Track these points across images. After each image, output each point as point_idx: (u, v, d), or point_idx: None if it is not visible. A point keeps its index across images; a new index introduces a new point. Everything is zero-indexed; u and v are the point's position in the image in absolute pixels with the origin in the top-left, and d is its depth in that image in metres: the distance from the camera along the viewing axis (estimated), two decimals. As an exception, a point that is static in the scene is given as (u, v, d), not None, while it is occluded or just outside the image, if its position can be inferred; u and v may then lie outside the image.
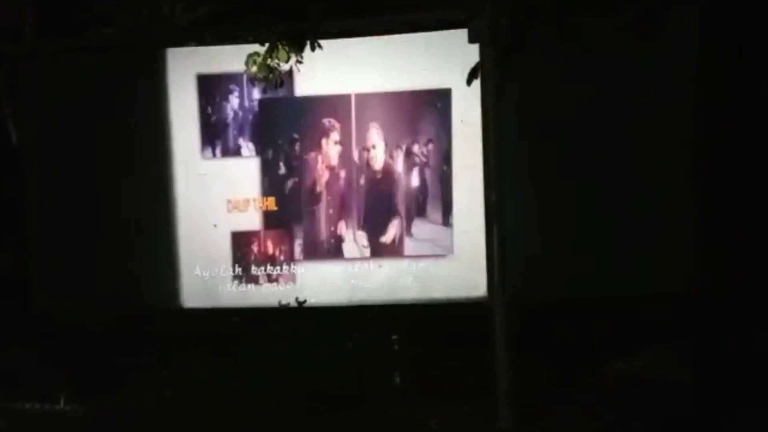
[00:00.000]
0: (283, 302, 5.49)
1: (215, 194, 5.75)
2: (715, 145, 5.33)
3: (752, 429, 4.12)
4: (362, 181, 5.71)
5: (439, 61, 5.49)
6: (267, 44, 5.21)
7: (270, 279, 5.76)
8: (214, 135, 5.77)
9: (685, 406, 4.34)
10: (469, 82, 4.60)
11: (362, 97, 5.66)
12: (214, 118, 5.76)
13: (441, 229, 5.66)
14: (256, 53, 5.25)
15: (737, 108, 5.27)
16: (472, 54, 4.45)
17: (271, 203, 5.76)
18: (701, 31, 5.24)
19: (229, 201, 5.76)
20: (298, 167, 5.73)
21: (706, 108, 5.29)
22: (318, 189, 5.73)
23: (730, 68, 5.28)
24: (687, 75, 5.28)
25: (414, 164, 5.67)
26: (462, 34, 4.50)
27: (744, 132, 5.30)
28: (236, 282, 5.76)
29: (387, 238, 5.71)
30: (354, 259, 5.72)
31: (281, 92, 5.60)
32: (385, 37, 5.52)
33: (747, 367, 4.63)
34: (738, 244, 5.25)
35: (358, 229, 5.72)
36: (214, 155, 5.77)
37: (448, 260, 5.65)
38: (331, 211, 5.74)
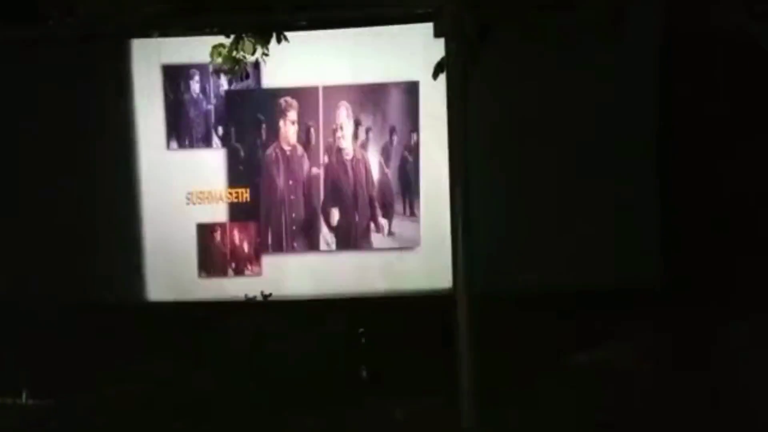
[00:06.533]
0: (250, 295, 5.45)
1: (181, 186, 5.71)
2: (678, 139, 5.39)
3: (714, 420, 4.18)
4: (329, 174, 5.70)
5: (407, 54, 5.49)
6: (232, 35, 5.15)
7: (236, 272, 5.73)
8: (180, 126, 5.72)
9: (648, 400, 4.38)
10: (435, 75, 4.59)
11: (330, 89, 5.64)
12: (180, 109, 5.72)
13: (408, 222, 5.67)
14: (222, 45, 5.18)
15: (701, 101, 5.32)
16: (439, 47, 4.43)
17: (237, 195, 5.73)
18: (664, 24, 5.29)
19: (195, 192, 5.71)
20: (264, 158, 5.70)
21: (669, 102, 5.35)
22: (284, 180, 5.70)
23: (694, 62, 5.33)
24: (650, 69, 5.34)
25: (381, 157, 5.67)
26: (429, 27, 4.50)
27: (708, 126, 5.35)
28: (202, 275, 5.72)
29: (354, 230, 5.70)
30: (321, 251, 5.71)
31: (248, 83, 5.56)
32: (353, 30, 5.51)
33: (709, 360, 4.70)
34: (701, 239, 5.31)
35: (325, 221, 5.71)
36: (181, 146, 5.72)
37: (415, 253, 5.67)
38: (297, 203, 5.72)
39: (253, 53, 5.23)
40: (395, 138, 5.65)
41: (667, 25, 5.34)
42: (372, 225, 5.70)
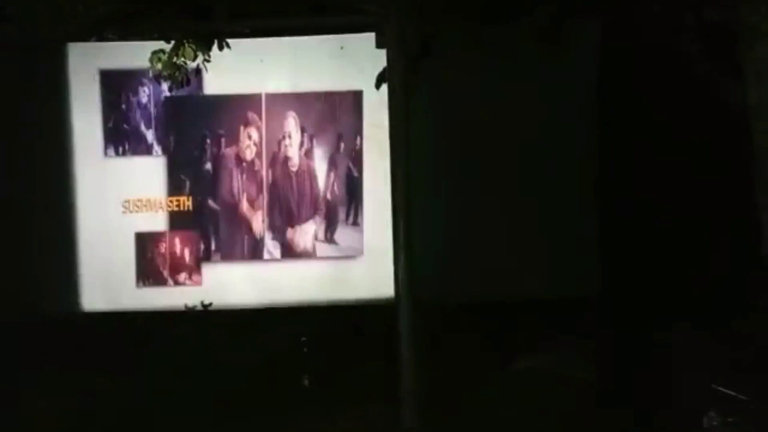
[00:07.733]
0: (190, 305, 5.37)
1: (118, 194, 5.59)
2: (616, 152, 5.54)
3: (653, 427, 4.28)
4: (271, 182, 5.66)
5: (351, 63, 5.50)
6: (173, 41, 5.07)
7: (176, 281, 5.64)
8: (118, 133, 5.60)
9: (588, 405, 4.48)
10: (377, 86, 4.62)
11: (273, 97, 5.61)
12: (117, 116, 5.60)
13: (351, 231, 5.67)
14: (162, 50, 5.08)
15: (639, 115, 5.47)
16: (383, 56, 4.46)
17: (178, 203, 5.64)
18: (604, 40, 5.44)
19: (133, 201, 5.60)
20: (205, 167, 5.63)
21: (609, 114, 5.49)
22: (226, 189, 5.64)
23: (632, 76, 5.47)
24: (590, 82, 5.48)
25: (325, 166, 5.66)
26: (373, 36, 4.53)
27: (645, 138, 5.50)
28: (140, 284, 5.61)
29: (297, 239, 5.68)
30: (263, 260, 5.67)
31: (189, 90, 5.47)
32: (296, 38, 5.49)
33: (648, 366, 4.83)
34: (638, 247, 5.46)
35: (268, 230, 5.67)
36: (118, 153, 5.61)
37: (358, 262, 5.67)
38: (239, 212, 5.66)
39: (194, 59, 5.16)
40: (339, 147, 5.65)
41: (608, 40, 5.48)
42: (315, 234, 5.68)
